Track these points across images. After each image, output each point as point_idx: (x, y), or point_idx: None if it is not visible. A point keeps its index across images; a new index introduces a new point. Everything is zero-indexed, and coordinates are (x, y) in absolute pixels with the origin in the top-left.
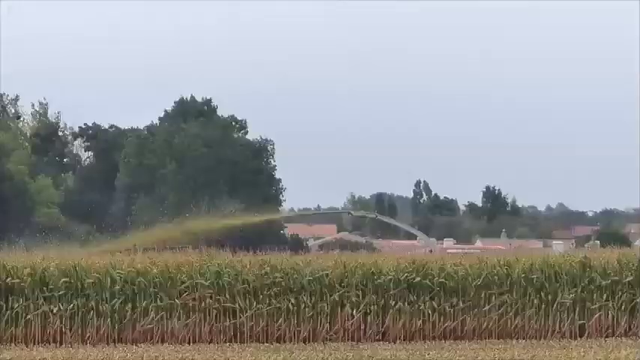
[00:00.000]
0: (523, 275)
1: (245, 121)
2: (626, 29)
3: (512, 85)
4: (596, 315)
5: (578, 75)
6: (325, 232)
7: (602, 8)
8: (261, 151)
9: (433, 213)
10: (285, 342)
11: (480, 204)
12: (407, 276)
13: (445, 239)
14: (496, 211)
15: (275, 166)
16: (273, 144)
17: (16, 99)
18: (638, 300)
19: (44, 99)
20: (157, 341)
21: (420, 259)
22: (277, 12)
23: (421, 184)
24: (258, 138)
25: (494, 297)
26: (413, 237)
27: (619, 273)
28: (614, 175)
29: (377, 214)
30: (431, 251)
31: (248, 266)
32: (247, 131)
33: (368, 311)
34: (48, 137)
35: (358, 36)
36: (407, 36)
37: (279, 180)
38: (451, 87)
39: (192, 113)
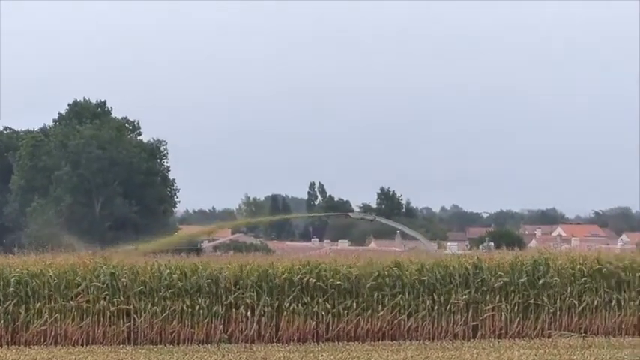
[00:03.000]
0: (416, 277)
1: (138, 122)
2: None
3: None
4: (489, 315)
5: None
6: (219, 233)
7: None
8: (155, 152)
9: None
10: (179, 344)
11: (374, 205)
12: (300, 277)
13: (340, 241)
14: (390, 213)
15: (169, 167)
16: (166, 145)
17: None
18: (531, 301)
19: None
20: (51, 343)
21: (314, 261)
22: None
23: (316, 186)
24: (152, 139)
25: (387, 298)
26: (414, 239)
27: (512, 274)
28: (509, 177)
29: (375, 217)
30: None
31: (149, 268)
32: (141, 132)
33: (262, 313)
34: None
35: (259, 37)
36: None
37: (174, 181)
38: (339, 87)
39: (86, 115)
